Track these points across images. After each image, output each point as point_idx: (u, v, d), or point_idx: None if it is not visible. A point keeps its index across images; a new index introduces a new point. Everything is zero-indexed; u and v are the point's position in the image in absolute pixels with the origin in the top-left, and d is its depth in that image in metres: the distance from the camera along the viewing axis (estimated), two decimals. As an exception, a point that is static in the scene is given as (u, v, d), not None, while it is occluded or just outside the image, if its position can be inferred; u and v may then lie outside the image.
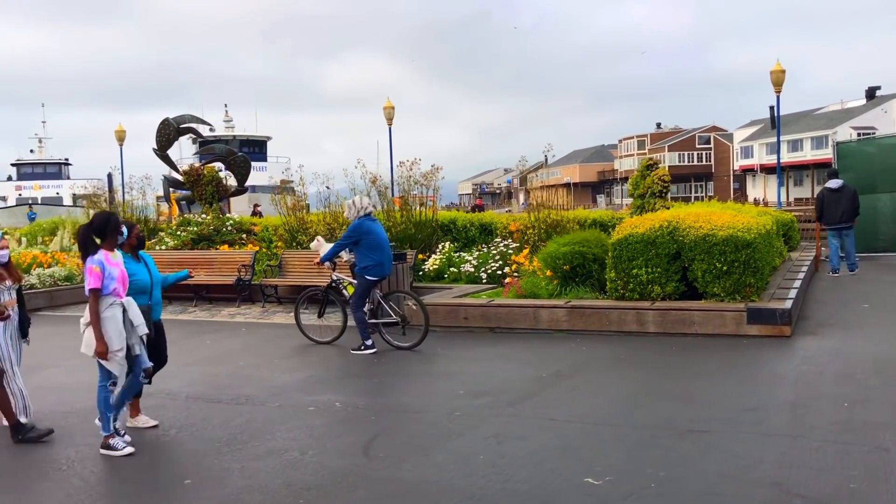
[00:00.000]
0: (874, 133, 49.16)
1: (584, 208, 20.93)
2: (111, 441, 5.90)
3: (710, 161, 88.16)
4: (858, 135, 54.07)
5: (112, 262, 5.98)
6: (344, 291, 10.13)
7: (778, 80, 23.51)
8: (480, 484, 5.05)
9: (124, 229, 6.28)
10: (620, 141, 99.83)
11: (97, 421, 6.13)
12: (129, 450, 5.87)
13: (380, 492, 5.01)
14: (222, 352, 9.87)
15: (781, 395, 6.95)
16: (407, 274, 11.58)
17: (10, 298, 6.65)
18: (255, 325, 12.11)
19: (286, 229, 15.66)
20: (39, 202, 51.92)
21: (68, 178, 63.99)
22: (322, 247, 9.94)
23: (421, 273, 13.55)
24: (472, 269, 13.08)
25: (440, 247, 14.09)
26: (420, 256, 13.85)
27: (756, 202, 60.08)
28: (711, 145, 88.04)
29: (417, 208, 15.13)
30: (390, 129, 26.15)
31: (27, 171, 66.99)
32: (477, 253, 13.65)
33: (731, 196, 72.39)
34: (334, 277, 10.11)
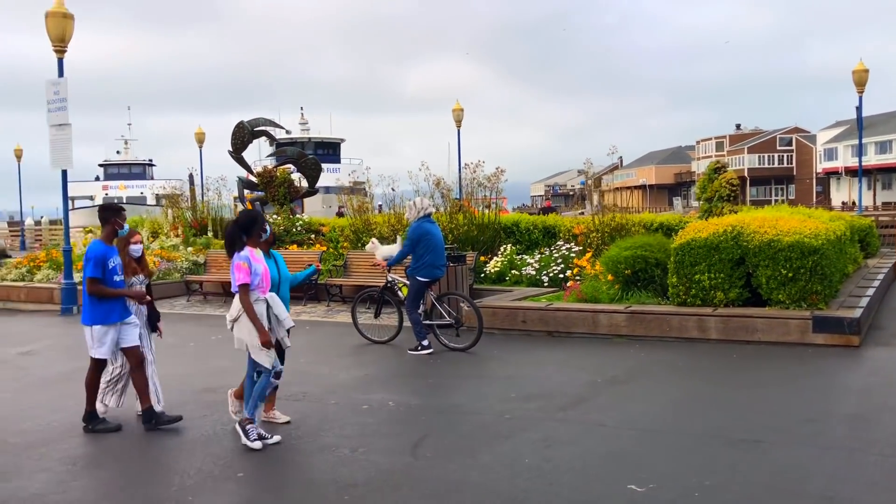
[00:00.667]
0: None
1: (649, 212, 20.60)
2: (248, 427, 6.04)
3: (791, 163, 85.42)
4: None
5: (256, 258, 6.12)
6: (399, 292, 10.27)
7: (861, 79, 22.72)
8: (523, 486, 5.08)
9: (268, 227, 6.41)
10: (698, 142, 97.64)
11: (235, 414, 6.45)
12: (258, 444, 5.96)
13: (423, 491, 5.08)
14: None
15: (843, 407, 6.75)
16: (466, 276, 11.65)
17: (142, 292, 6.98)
18: (318, 323, 12.37)
19: (352, 230, 15.93)
20: (125, 201, 54.05)
21: (152, 178, 66.32)
22: (377, 249, 10.11)
23: (482, 275, 13.61)
24: (534, 272, 13.06)
25: (502, 249, 14.12)
26: (482, 258, 13.90)
27: (844, 206, 57.98)
28: (793, 147, 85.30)
29: (480, 210, 15.18)
30: (458, 131, 26.30)
31: (113, 171, 69.79)
32: (539, 256, 13.61)
33: (814, 200, 70.03)
34: (389, 278, 10.25)
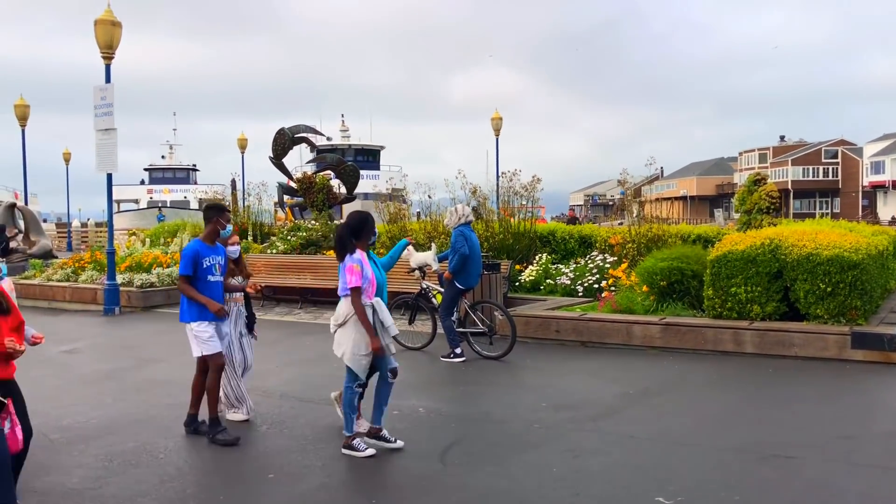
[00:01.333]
0: None
1: (688, 223, 20.37)
2: (353, 442, 5.96)
3: (836, 176, 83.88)
4: None
5: (366, 261, 5.97)
6: (433, 299, 10.32)
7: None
8: (551, 496, 5.09)
9: (376, 230, 6.27)
10: (741, 154, 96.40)
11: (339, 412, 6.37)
12: (370, 451, 5.91)
13: (449, 498, 5.12)
14: (320, 353, 10.20)
15: (880, 425, 6.63)
16: (500, 284, 11.67)
17: (239, 294, 7.01)
18: (353, 329, 12.46)
19: (388, 237, 16.04)
20: (168, 205, 55.01)
21: (195, 182, 67.44)
22: (412, 255, 10.17)
23: (517, 284, 13.60)
24: (569, 282, 13.02)
25: (537, 258, 14.10)
26: (517, 267, 13.90)
27: (893, 220, 56.67)
28: (839, 160, 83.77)
29: (516, 218, 15.19)
30: (497, 139, 26.37)
31: (158, 175, 71.10)
32: (574, 265, 13.57)
33: (860, 213, 68.62)
34: (423, 285, 10.31)
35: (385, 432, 6.15)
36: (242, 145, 35.84)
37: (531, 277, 13.59)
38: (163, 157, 74.00)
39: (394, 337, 10.46)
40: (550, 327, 10.51)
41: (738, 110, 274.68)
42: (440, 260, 10.00)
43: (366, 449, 5.94)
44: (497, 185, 18.57)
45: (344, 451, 5.99)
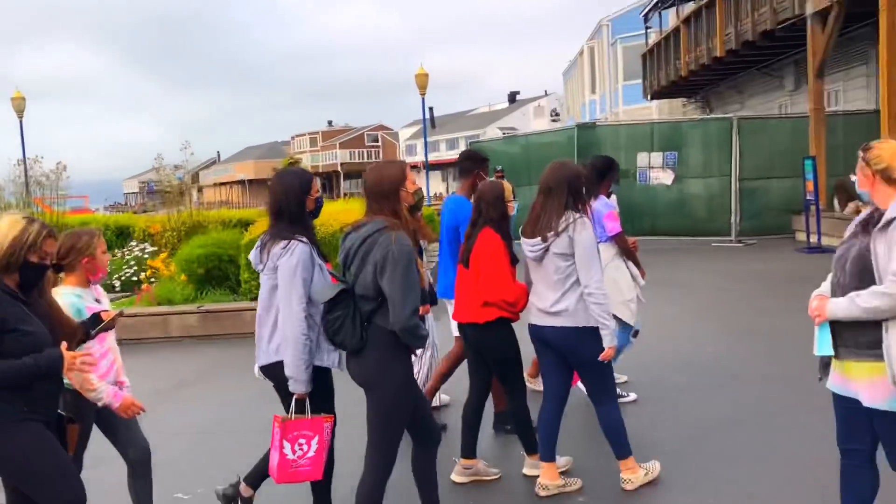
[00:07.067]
0: (516, 132, 54.49)
1: (248, 207, 20.49)
2: None
3: (379, 158, 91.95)
4: (503, 133, 59.72)
5: None
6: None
7: (423, 83, 25.22)
8: None
9: None
10: (293, 137, 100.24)
11: None
12: None
13: None
14: None
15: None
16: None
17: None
18: None
19: None
20: None
21: None
22: None
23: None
24: (103, 277, 12.18)
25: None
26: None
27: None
28: (380, 143, 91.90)
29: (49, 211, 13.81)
30: (21, 122, 23.55)
31: None
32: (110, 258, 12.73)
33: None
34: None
35: None
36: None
37: (60, 275, 12.41)
38: None
39: None
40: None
41: (315, 97, 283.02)
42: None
43: None
44: (26, 174, 16.78)
45: None
